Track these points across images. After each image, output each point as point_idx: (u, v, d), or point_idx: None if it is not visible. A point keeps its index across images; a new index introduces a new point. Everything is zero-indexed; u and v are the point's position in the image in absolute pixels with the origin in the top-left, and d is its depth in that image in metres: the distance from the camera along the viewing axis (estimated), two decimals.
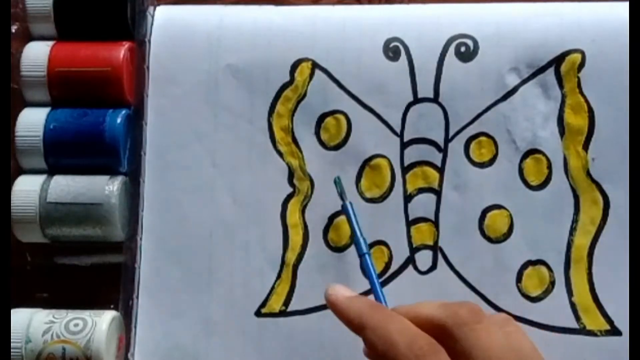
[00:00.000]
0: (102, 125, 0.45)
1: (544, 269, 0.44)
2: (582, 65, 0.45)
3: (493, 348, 0.34)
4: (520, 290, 0.44)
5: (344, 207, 0.43)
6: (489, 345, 0.34)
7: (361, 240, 0.42)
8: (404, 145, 0.45)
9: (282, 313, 0.45)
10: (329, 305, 0.39)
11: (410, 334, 0.35)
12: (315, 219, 0.45)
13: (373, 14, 0.46)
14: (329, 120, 0.46)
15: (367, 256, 0.42)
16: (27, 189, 0.44)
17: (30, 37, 0.47)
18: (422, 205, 0.45)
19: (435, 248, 0.45)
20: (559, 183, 0.45)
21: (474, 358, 0.34)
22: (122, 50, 0.45)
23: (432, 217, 0.45)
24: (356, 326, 0.37)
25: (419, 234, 0.45)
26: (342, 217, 0.45)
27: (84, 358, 0.42)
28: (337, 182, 0.44)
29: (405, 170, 0.45)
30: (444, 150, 0.45)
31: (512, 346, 0.35)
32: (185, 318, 0.45)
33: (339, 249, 0.45)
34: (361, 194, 0.45)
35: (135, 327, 0.45)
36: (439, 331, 0.35)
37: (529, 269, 0.44)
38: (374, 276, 0.41)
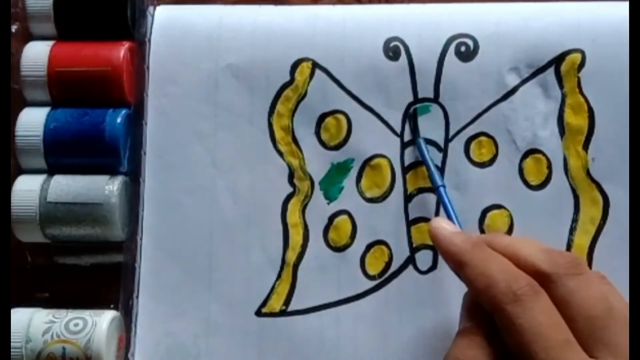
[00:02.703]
0: (102, 125, 0.45)
1: None
2: (582, 65, 0.45)
3: (590, 299, 0.35)
4: None
5: (417, 143, 0.45)
6: (587, 295, 0.35)
7: (435, 174, 0.43)
8: (404, 145, 0.45)
9: (283, 313, 0.45)
10: (432, 238, 0.40)
11: (511, 273, 0.35)
12: (315, 218, 0.45)
13: (373, 14, 0.46)
14: (329, 120, 0.46)
15: (441, 189, 0.43)
16: (27, 189, 0.44)
17: (30, 37, 0.46)
18: (423, 205, 0.45)
19: (435, 248, 0.45)
20: (559, 183, 0.45)
21: (572, 306, 0.34)
22: (122, 50, 0.45)
23: (433, 217, 0.45)
24: (457, 262, 0.38)
25: (419, 233, 0.45)
26: (342, 217, 0.45)
27: (84, 358, 0.42)
28: (410, 117, 0.45)
29: (405, 170, 0.45)
30: (444, 150, 0.45)
31: (607, 302, 0.35)
32: (185, 318, 0.45)
33: (339, 249, 0.45)
34: (361, 193, 0.45)
35: (135, 327, 0.45)
36: (537, 275, 0.35)
37: None
38: (449, 207, 0.42)
